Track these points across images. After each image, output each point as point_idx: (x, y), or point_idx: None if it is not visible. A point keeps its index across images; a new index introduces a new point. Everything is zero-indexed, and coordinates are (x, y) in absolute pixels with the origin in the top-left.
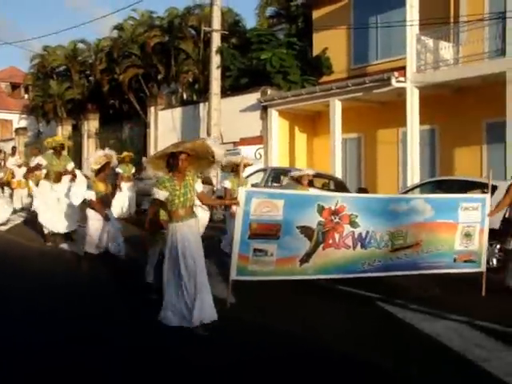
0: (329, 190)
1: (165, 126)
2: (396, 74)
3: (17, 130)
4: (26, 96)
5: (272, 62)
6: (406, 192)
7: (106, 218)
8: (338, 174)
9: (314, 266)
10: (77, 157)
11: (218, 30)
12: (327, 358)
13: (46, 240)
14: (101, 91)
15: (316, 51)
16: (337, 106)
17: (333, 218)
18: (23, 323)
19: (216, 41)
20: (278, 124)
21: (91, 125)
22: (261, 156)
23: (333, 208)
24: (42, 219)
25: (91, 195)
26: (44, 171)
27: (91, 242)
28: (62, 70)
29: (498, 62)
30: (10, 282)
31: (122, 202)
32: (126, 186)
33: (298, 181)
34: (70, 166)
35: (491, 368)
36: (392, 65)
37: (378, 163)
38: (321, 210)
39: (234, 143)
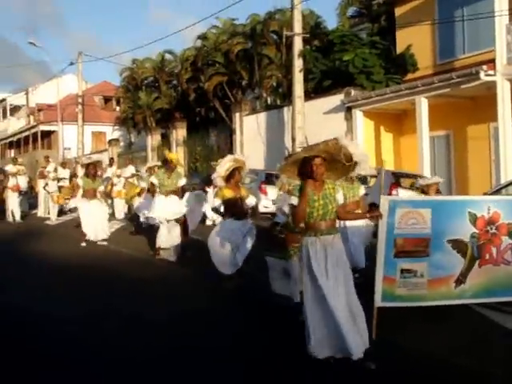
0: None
1: (250, 132)
2: (485, 67)
3: (110, 141)
4: (118, 108)
5: (355, 63)
6: (498, 190)
7: (239, 218)
8: (427, 174)
9: (471, 287)
10: None
11: (299, 34)
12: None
13: (157, 253)
14: (187, 100)
15: (400, 49)
16: (423, 104)
17: (488, 228)
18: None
19: (298, 44)
20: (362, 124)
21: (179, 133)
22: None
23: (486, 216)
24: (159, 235)
25: (216, 203)
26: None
27: (220, 260)
28: (151, 82)
29: None
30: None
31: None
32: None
33: (424, 191)
34: (182, 182)
35: None
36: (480, 58)
37: (469, 161)
38: (474, 219)
39: None
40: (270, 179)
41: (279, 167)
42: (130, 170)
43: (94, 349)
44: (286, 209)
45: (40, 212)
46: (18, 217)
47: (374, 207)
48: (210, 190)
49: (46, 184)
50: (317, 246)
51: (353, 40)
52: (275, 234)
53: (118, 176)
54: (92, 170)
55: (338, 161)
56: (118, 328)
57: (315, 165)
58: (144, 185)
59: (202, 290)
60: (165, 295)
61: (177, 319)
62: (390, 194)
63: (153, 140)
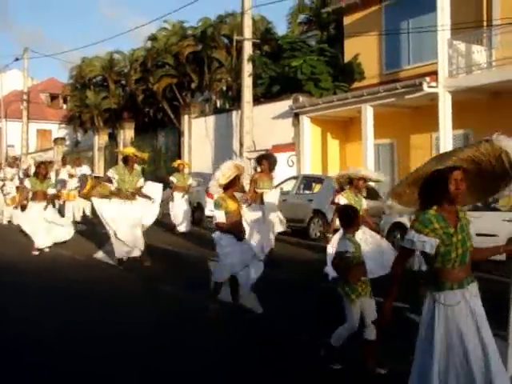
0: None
1: (198, 134)
2: (428, 79)
3: (55, 139)
4: (65, 106)
5: (303, 69)
6: None
7: (240, 239)
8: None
9: None
10: (112, 165)
11: (249, 39)
12: None
13: (119, 264)
14: (136, 100)
15: (348, 57)
16: (369, 112)
17: None
18: None
19: (247, 49)
20: (310, 131)
21: (127, 134)
22: (293, 163)
23: None
24: (116, 245)
25: (220, 216)
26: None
27: (222, 269)
28: (99, 81)
29: None
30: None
31: (175, 216)
32: (179, 196)
33: (350, 182)
34: (141, 182)
35: None
36: (424, 69)
37: (412, 169)
38: None
39: (267, 150)
40: None
41: (391, 190)
42: (85, 169)
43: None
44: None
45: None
46: None
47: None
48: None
49: (3, 185)
50: (462, 304)
51: (302, 47)
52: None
53: (72, 176)
54: (43, 170)
55: (484, 174)
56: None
57: (455, 181)
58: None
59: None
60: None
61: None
62: (333, 202)
63: (100, 140)
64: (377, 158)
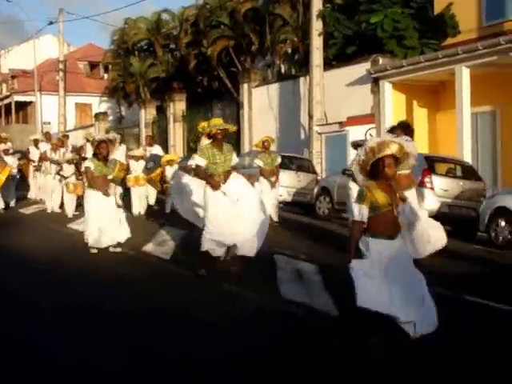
0: (455, 177)
1: (260, 105)
2: None
3: (96, 115)
4: (106, 76)
5: (384, 26)
6: None
7: None
8: (467, 157)
9: None
10: (162, 144)
11: None
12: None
13: (201, 267)
14: (187, 68)
15: (438, 8)
16: (464, 74)
17: None
18: None
19: (317, 3)
20: (392, 99)
21: (177, 107)
22: (372, 137)
23: None
24: (211, 235)
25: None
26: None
27: None
28: (145, 45)
29: None
30: None
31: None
32: (267, 185)
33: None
34: (235, 159)
35: None
36: None
37: None
38: None
39: (340, 123)
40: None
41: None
42: (157, 149)
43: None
44: None
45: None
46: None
47: None
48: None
49: (61, 168)
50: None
51: None
52: None
53: (139, 158)
54: (104, 149)
55: None
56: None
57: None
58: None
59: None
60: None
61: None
62: (422, 182)
63: (147, 114)
64: (474, 129)
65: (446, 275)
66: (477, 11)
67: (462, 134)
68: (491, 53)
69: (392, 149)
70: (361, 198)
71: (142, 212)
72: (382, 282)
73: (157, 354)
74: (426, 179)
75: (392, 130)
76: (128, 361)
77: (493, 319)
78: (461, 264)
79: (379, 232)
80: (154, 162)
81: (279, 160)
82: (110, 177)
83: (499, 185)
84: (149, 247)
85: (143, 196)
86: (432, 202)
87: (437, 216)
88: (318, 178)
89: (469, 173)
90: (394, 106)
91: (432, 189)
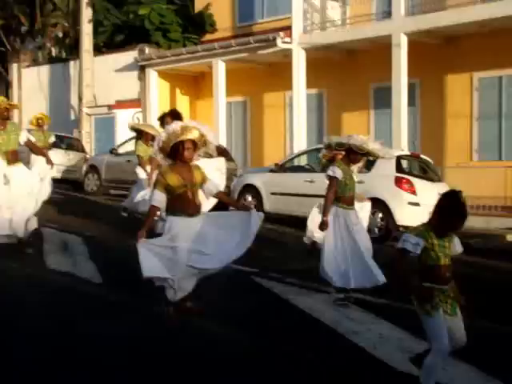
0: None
1: (30, 86)
2: (282, 34)
3: None
4: None
5: (151, 18)
6: (291, 159)
7: None
8: (223, 140)
9: None
10: None
11: None
12: (199, 335)
13: None
14: None
15: (198, 7)
16: (220, 67)
17: None
18: None
19: None
20: (157, 85)
21: None
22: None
23: None
24: None
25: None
26: None
27: None
28: None
29: (384, 24)
30: None
31: None
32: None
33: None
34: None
35: (360, 340)
36: (278, 24)
37: (265, 128)
38: None
39: (109, 106)
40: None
41: None
42: None
43: None
44: None
45: None
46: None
47: None
48: None
49: None
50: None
51: None
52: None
53: None
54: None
55: None
56: None
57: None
58: None
59: None
60: None
61: None
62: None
63: None
64: (229, 116)
65: None
66: (231, 13)
67: (219, 120)
68: (243, 50)
69: (194, 134)
70: (155, 185)
71: None
72: (180, 250)
73: None
74: None
75: (163, 118)
76: None
77: None
78: None
79: (178, 210)
80: None
81: (53, 138)
82: None
83: (248, 165)
84: None
85: None
86: None
87: None
88: (87, 156)
89: (223, 155)
90: (158, 92)
91: None
